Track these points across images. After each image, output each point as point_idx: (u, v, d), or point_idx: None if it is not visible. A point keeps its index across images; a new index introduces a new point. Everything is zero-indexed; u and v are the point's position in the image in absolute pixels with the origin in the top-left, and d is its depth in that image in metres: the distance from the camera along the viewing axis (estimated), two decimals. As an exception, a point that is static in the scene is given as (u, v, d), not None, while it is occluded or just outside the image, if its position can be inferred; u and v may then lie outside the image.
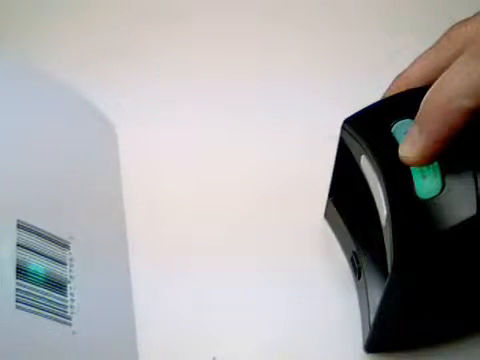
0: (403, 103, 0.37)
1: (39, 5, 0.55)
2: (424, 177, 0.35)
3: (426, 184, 0.35)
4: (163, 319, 0.41)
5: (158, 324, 0.40)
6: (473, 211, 0.34)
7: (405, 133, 0.36)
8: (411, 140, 0.35)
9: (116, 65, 0.51)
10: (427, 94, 0.35)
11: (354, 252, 0.41)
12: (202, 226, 0.44)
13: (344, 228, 0.42)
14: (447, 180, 0.35)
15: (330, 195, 0.43)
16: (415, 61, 0.38)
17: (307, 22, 0.54)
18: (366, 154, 0.37)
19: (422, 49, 0.38)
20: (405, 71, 0.38)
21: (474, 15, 0.36)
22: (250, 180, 0.46)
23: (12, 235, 0.38)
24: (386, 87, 0.39)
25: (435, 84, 0.35)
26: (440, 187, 0.35)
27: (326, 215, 0.44)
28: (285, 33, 0.54)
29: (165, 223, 0.44)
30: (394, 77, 0.39)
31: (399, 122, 0.37)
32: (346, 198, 0.42)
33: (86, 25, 0.54)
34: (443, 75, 0.35)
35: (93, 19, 0.54)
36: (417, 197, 0.35)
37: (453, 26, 0.37)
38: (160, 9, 0.55)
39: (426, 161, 0.35)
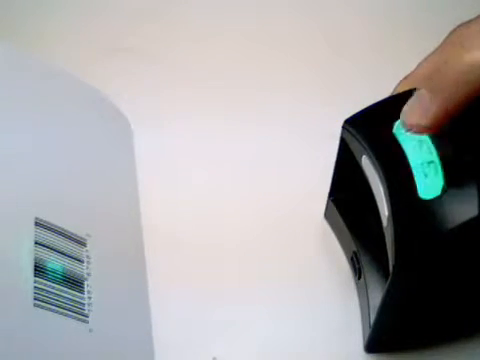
0: (404, 103, 0.37)
1: (43, 4, 0.55)
2: (426, 177, 0.35)
3: (428, 184, 0.35)
4: (163, 319, 0.41)
5: (158, 324, 0.40)
6: (475, 212, 0.34)
7: (407, 133, 0.36)
8: (421, 106, 0.34)
9: (123, 64, 0.51)
10: (443, 59, 0.33)
11: (354, 252, 0.41)
12: (203, 225, 0.44)
13: (344, 228, 0.42)
14: (449, 181, 0.35)
15: (330, 195, 0.43)
16: (420, 64, 0.38)
17: (308, 21, 0.54)
18: (367, 154, 0.37)
19: (422, 49, 0.38)
20: (410, 74, 0.38)
21: (477, 17, 0.36)
22: (250, 180, 0.46)
23: (30, 233, 0.38)
24: (386, 87, 0.39)
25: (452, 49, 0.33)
26: (442, 187, 0.35)
27: (326, 215, 0.44)
28: (286, 32, 0.54)
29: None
30: (396, 78, 0.39)
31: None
32: (346, 198, 0.42)
33: (90, 24, 0.54)
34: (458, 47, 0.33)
35: (97, 18, 0.54)
36: (419, 197, 0.35)
37: (456, 28, 0.37)
38: (165, 8, 0.55)
39: (433, 131, 0.34)
